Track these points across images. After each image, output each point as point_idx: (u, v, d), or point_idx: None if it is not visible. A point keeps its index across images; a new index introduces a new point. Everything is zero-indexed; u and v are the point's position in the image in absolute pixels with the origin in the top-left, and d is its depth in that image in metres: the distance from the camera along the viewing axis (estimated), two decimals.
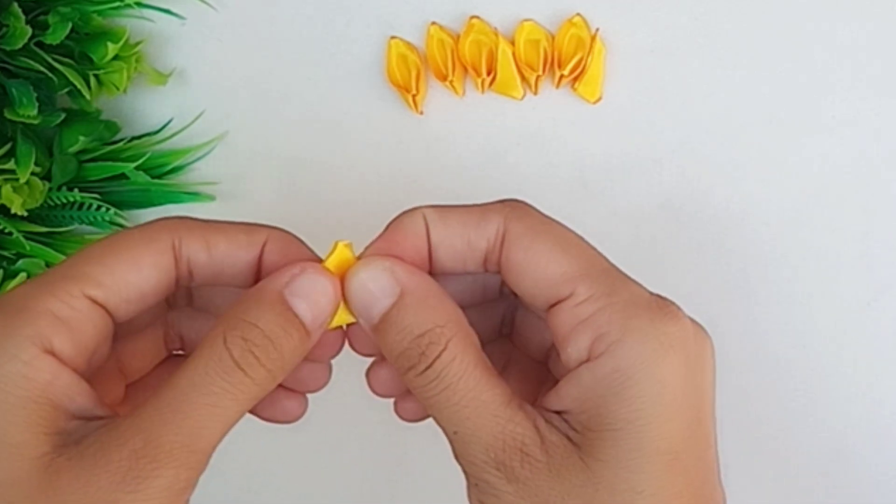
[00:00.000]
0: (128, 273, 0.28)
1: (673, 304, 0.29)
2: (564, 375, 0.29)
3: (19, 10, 0.42)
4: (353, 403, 0.42)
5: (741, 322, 0.46)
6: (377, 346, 0.30)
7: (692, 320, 0.29)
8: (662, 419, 0.27)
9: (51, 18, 0.42)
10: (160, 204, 0.46)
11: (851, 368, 0.46)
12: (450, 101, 0.46)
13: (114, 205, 0.45)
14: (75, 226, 0.46)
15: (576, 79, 0.45)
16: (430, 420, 0.30)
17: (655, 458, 0.27)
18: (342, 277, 0.29)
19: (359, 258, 0.30)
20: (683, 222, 0.46)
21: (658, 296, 0.29)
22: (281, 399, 0.32)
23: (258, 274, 0.30)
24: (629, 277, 0.30)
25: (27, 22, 0.42)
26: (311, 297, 0.28)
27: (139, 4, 0.45)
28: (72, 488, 0.25)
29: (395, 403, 0.33)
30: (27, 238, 0.44)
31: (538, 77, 0.45)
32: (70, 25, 0.42)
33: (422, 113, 0.46)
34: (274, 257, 0.30)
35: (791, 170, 0.45)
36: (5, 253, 0.45)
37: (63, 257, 0.45)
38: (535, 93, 0.45)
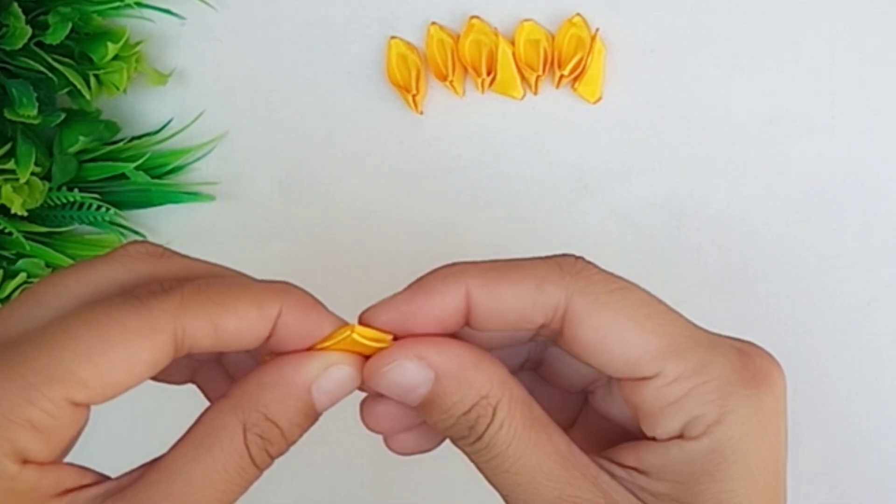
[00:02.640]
0: (117, 374, 0.25)
1: (765, 358, 0.27)
2: (643, 440, 0.27)
3: (19, 10, 0.42)
4: (352, 401, 0.42)
5: (741, 322, 0.46)
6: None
7: (771, 359, 0.28)
8: (754, 495, 0.26)
9: (51, 18, 0.42)
10: (160, 204, 0.46)
11: (851, 368, 0.46)
12: (450, 101, 0.46)
13: (114, 205, 0.45)
14: (75, 226, 0.46)
15: (576, 79, 0.45)
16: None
17: None
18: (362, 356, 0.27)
19: (385, 299, 0.27)
20: (683, 222, 0.46)
21: (747, 349, 0.27)
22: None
23: (270, 339, 0.27)
24: (715, 336, 0.27)
25: (27, 22, 0.42)
26: (336, 392, 0.27)
27: (139, 4, 0.45)
28: None
29: (386, 438, 0.30)
30: (27, 238, 0.44)
31: (538, 77, 0.45)
32: (70, 25, 0.42)
33: (422, 113, 0.46)
34: (289, 330, 0.27)
35: (791, 170, 0.45)
36: (5, 253, 0.45)
37: (63, 257, 0.45)
38: (535, 93, 0.45)
